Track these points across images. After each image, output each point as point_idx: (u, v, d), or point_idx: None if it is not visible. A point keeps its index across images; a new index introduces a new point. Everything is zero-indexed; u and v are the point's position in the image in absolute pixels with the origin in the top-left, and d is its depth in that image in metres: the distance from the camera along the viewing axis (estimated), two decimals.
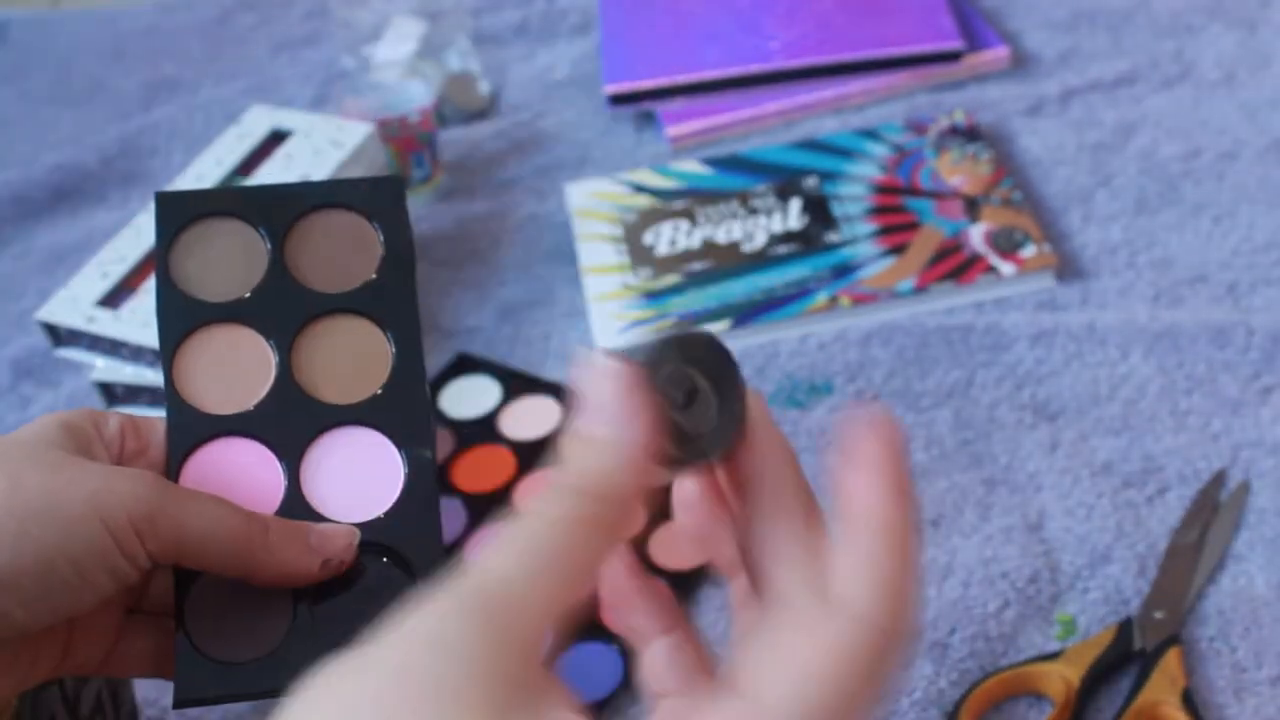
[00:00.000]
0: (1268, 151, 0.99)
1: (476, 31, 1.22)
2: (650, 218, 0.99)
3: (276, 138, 0.96)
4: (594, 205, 1.02)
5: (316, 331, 0.55)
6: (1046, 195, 0.99)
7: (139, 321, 0.83)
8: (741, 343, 0.91)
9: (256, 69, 1.26)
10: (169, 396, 0.53)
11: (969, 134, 1.02)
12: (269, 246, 0.56)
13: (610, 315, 0.93)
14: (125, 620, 0.51)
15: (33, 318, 0.89)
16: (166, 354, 0.54)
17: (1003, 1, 1.18)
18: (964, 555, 0.76)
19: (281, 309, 0.55)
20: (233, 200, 0.56)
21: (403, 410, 0.54)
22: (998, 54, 1.11)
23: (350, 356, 0.55)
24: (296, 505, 0.52)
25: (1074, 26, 1.14)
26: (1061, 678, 0.68)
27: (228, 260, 0.55)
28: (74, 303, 0.86)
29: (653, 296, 0.93)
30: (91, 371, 0.86)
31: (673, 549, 0.79)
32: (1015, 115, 1.06)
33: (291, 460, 0.53)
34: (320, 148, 0.94)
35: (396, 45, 1.15)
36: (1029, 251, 0.92)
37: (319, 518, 0.52)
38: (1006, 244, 0.93)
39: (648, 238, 0.98)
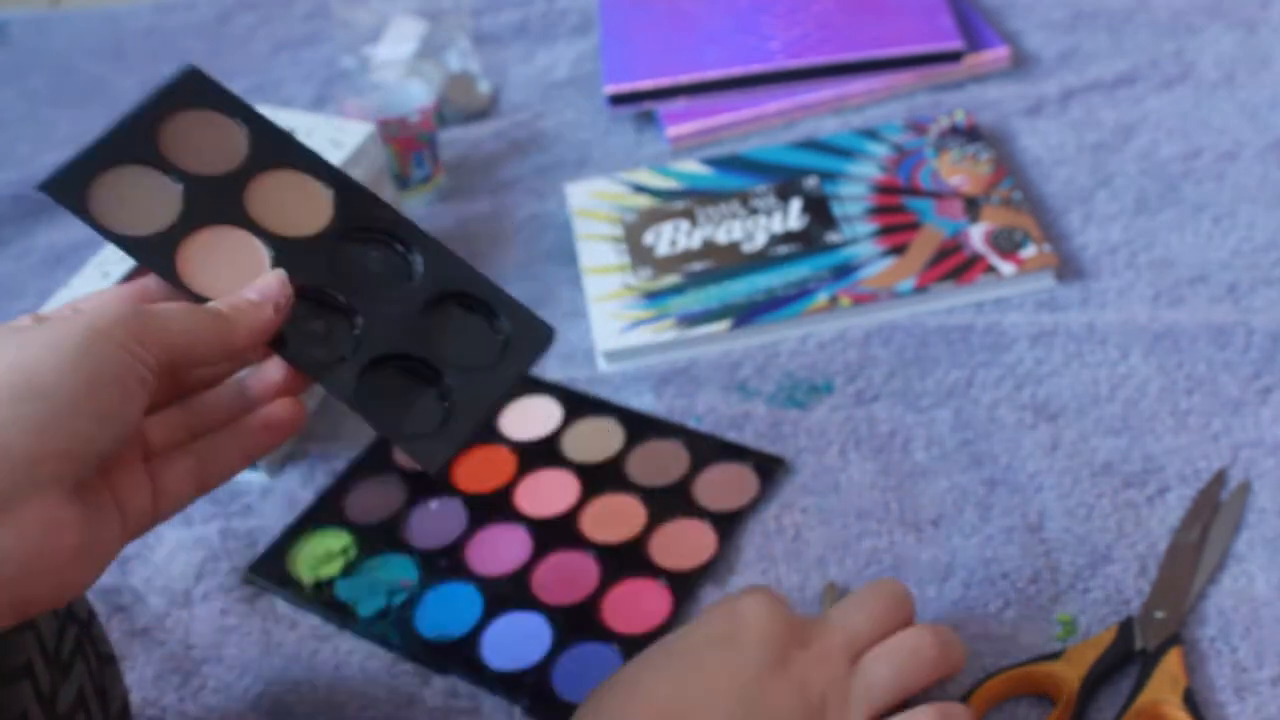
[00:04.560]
0: (1268, 151, 0.99)
1: (476, 31, 1.23)
2: (650, 218, 0.99)
3: None
4: (594, 205, 1.02)
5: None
6: (1046, 195, 0.99)
7: None
8: (741, 343, 0.91)
9: (256, 69, 1.26)
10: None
11: (969, 134, 1.02)
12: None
13: (611, 315, 0.93)
14: (148, 469, 0.55)
15: None
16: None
17: (1003, 1, 1.18)
18: (964, 555, 0.76)
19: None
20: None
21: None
22: (998, 54, 1.11)
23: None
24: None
25: (1074, 26, 1.14)
26: (1062, 678, 0.68)
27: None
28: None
29: (653, 296, 0.94)
30: None
31: (673, 549, 0.79)
32: (1015, 115, 1.06)
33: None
34: (320, 148, 0.94)
35: (396, 45, 1.15)
36: (1029, 251, 0.92)
37: None
38: (1006, 244, 0.93)
39: (648, 238, 0.98)
